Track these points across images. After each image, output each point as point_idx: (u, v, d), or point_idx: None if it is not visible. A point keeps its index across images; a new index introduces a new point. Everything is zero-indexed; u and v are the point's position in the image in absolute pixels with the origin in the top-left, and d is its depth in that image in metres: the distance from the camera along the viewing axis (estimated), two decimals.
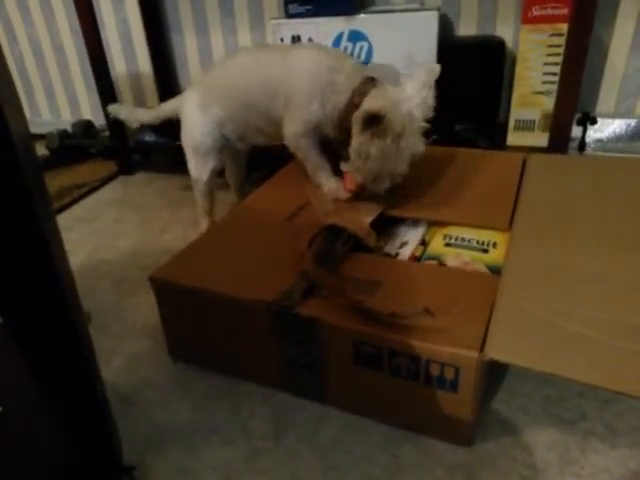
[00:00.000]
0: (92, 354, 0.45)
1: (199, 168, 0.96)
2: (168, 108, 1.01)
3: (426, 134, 0.78)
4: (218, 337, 0.69)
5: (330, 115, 0.83)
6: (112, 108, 1.07)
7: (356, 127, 0.76)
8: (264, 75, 0.88)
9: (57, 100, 1.74)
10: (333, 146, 0.88)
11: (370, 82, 0.81)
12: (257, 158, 1.08)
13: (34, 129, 1.60)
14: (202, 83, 0.98)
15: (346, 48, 1.13)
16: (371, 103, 0.76)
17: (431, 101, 0.77)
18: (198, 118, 0.93)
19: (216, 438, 0.62)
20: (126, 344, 0.79)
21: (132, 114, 1.05)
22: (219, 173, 1.01)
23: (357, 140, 0.77)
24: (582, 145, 1.09)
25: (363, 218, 0.76)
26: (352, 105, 0.80)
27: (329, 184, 0.86)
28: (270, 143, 0.95)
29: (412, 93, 0.76)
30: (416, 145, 0.76)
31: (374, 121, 0.73)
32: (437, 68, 0.78)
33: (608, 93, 1.13)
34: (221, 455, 0.60)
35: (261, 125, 0.91)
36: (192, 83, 0.99)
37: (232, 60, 0.95)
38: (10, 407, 0.54)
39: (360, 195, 0.82)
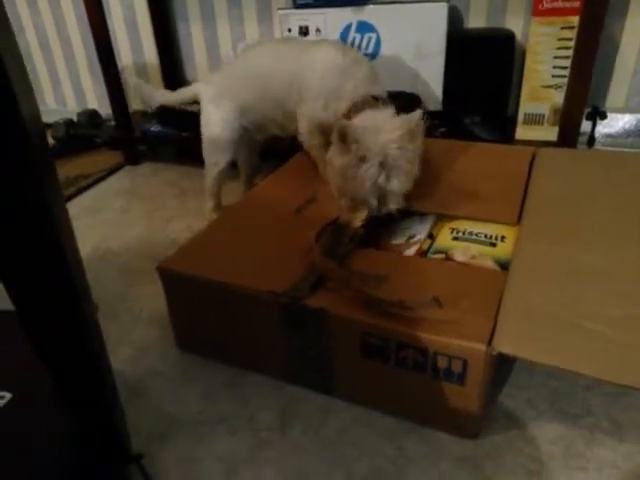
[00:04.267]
0: (102, 343, 0.45)
1: (216, 157, 0.98)
2: (188, 94, 1.02)
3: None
4: (225, 328, 0.69)
5: (331, 118, 0.82)
6: (133, 81, 1.10)
7: (333, 136, 0.75)
8: (282, 68, 0.88)
9: (63, 89, 1.74)
10: None
11: (370, 100, 0.80)
12: (267, 149, 1.08)
13: None
14: (224, 72, 0.99)
15: (354, 39, 1.12)
16: (355, 121, 0.76)
17: (413, 152, 0.73)
18: (218, 108, 0.95)
19: (222, 428, 0.62)
20: (133, 334, 0.79)
21: (152, 93, 1.07)
22: (233, 163, 1.01)
23: (331, 149, 0.77)
24: (591, 140, 1.08)
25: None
26: (347, 118, 0.79)
27: None
28: (283, 134, 0.96)
29: (396, 130, 0.72)
30: (381, 178, 0.72)
31: (342, 137, 0.72)
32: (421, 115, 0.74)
33: (618, 88, 1.12)
34: (227, 445, 0.60)
35: (277, 117, 0.92)
36: (213, 72, 1.00)
37: (254, 50, 0.96)
38: (20, 394, 0.54)
39: None
